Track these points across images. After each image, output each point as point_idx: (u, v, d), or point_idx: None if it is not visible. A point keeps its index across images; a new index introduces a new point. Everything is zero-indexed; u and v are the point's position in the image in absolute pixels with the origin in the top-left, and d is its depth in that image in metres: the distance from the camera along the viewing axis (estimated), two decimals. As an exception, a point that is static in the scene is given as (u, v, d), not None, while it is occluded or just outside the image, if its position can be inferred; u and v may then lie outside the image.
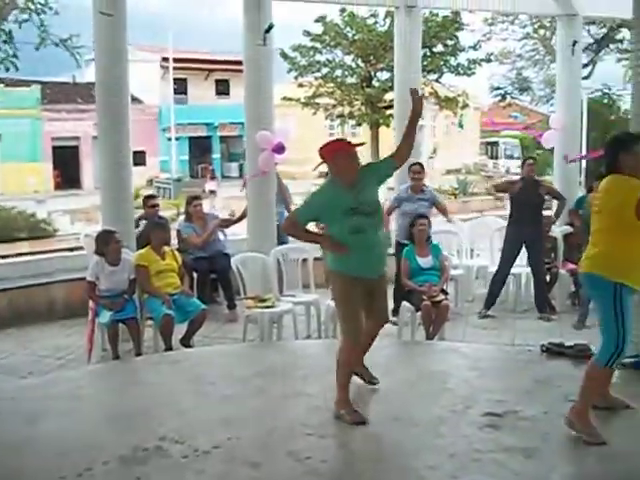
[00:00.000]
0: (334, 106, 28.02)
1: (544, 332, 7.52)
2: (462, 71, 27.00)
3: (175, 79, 35.92)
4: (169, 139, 35.58)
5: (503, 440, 4.33)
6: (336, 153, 4.63)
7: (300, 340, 7.03)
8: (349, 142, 4.77)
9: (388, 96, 24.94)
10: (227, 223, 9.63)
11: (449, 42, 26.54)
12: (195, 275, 8.31)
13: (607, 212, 4.34)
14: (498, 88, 30.89)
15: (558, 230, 9.25)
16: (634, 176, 4.27)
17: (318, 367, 5.57)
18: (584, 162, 17.21)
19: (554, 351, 6.04)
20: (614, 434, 4.32)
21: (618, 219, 4.24)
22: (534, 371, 5.64)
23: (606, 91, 29.74)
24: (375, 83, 27.13)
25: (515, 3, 11.15)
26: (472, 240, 9.98)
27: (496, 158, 39.93)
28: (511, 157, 37.91)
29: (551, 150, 11.08)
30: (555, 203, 9.36)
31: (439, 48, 26.73)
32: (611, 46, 24.00)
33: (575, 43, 10.45)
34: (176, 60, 35.02)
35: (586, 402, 4.35)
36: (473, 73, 27.06)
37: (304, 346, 6.75)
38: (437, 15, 25.15)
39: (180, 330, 7.03)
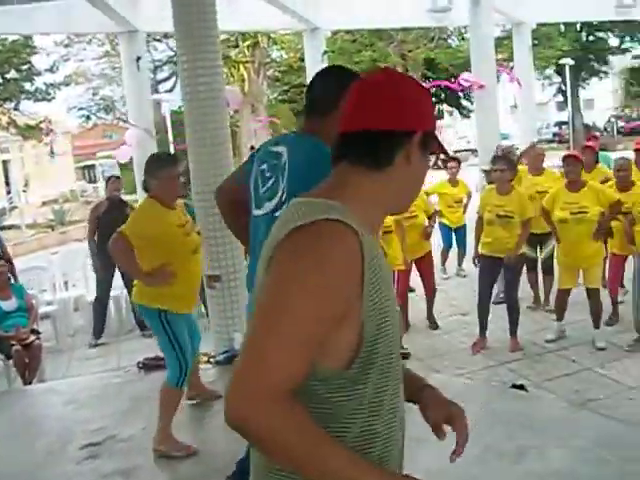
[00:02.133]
0: None
1: (149, 348, 7.60)
2: (41, 96, 26.22)
3: None
4: None
5: (103, 468, 4.37)
6: None
7: None
8: None
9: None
10: None
11: (23, 67, 25.52)
12: None
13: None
14: (81, 109, 30.51)
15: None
16: (162, 200, 4.29)
17: None
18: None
19: (151, 365, 6.24)
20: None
21: (144, 246, 4.24)
22: (132, 390, 5.77)
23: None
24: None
25: (74, 24, 11.07)
26: (65, 272, 9.70)
27: (95, 182, 39.42)
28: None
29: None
30: None
31: (13, 74, 25.57)
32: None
33: (139, 58, 10.74)
34: None
35: (166, 423, 4.38)
36: (53, 98, 26.43)
37: None
38: (6, 40, 23.92)
39: None
